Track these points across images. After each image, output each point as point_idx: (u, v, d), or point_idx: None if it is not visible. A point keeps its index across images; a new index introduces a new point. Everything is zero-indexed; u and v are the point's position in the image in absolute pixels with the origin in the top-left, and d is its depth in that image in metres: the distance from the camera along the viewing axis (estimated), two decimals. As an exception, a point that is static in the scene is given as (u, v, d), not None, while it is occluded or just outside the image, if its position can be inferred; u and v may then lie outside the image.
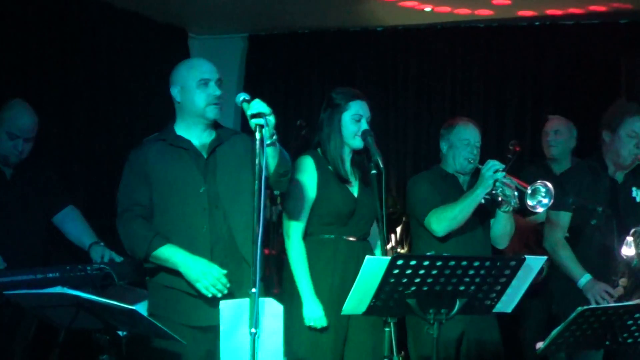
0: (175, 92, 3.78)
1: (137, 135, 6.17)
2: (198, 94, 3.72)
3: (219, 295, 3.51)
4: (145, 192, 3.71)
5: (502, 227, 4.40)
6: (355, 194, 4.15)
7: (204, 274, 3.55)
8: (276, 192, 4.10)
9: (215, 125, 3.83)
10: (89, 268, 4.09)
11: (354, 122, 4.10)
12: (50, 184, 4.65)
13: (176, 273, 3.66)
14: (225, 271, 3.55)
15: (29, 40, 5.21)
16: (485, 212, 4.39)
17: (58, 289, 3.31)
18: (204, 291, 3.55)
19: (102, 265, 4.15)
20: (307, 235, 4.12)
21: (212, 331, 3.53)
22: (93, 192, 5.67)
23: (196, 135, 3.79)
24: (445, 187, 4.57)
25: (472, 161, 4.46)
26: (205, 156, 3.76)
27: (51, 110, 4.83)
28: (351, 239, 4.11)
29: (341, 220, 4.10)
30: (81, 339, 3.99)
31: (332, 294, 3.98)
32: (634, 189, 4.48)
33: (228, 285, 3.55)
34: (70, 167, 5.23)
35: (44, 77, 5.36)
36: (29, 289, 3.66)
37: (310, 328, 4.02)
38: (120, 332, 3.69)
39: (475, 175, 4.41)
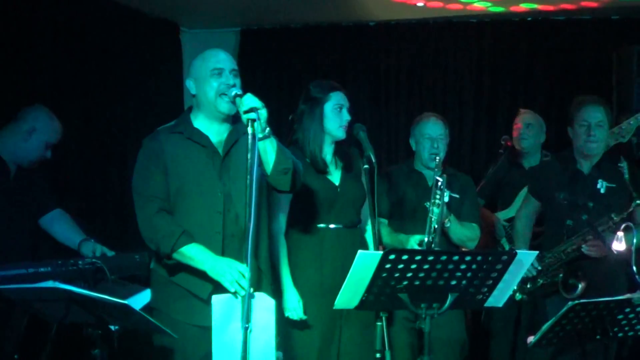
0: (190, 84, 3.72)
1: (130, 129, 6.17)
2: (210, 83, 3.64)
3: (242, 292, 3.41)
4: (164, 184, 3.63)
5: (455, 237, 4.46)
6: (337, 182, 4.18)
7: (230, 268, 3.47)
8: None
9: (233, 118, 3.72)
10: (80, 262, 4.09)
11: (336, 112, 4.16)
12: (39, 185, 4.67)
13: (182, 270, 3.64)
14: (248, 271, 3.41)
15: (17, 35, 5.19)
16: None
17: (50, 284, 3.30)
18: (228, 286, 3.46)
19: (93, 260, 4.14)
20: (294, 227, 4.15)
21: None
22: (86, 186, 5.65)
23: (214, 129, 3.71)
24: (408, 183, 4.63)
25: (437, 157, 4.48)
26: (222, 154, 3.69)
27: (42, 104, 4.81)
28: (338, 226, 4.13)
29: (324, 209, 4.13)
30: (73, 334, 3.99)
31: (323, 283, 4.01)
32: (599, 181, 4.52)
33: (246, 286, 3.41)
34: (63, 161, 5.21)
35: (33, 71, 5.33)
36: (21, 283, 3.66)
37: (289, 319, 4.06)
38: (112, 327, 3.68)
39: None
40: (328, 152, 4.23)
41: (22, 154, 4.51)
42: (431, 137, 4.57)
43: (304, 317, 4.08)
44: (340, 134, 4.17)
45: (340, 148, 4.23)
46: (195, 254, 3.55)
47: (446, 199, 4.31)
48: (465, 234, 4.51)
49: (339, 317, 4.12)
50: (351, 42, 6.87)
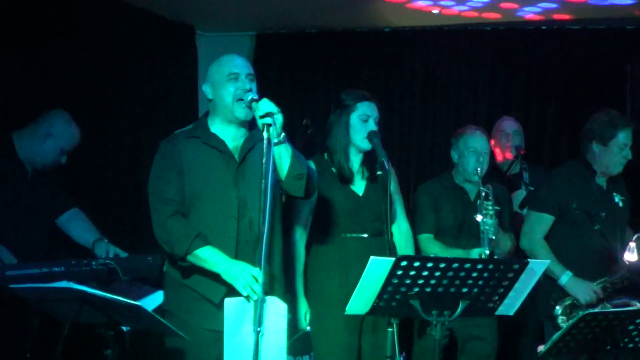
0: (207, 89, 3.73)
1: (144, 131, 6.20)
2: (227, 87, 3.65)
3: (255, 297, 3.40)
4: (180, 188, 3.64)
5: (501, 249, 4.47)
6: (360, 193, 4.18)
7: (244, 271, 3.46)
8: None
9: (250, 124, 3.72)
10: (94, 263, 4.11)
11: (361, 122, 4.13)
12: (57, 186, 4.70)
13: (195, 273, 3.65)
14: (262, 275, 3.43)
15: (33, 37, 5.22)
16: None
17: (64, 284, 3.32)
18: (241, 290, 3.45)
19: (107, 261, 4.17)
20: (317, 237, 4.17)
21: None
22: (100, 187, 5.68)
23: (231, 135, 3.72)
24: (450, 199, 4.64)
25: (479, 170, 4.51)
26: (237, 160, 3.70)
27: (59, 108, 4.83)
28: (362, 235, 4.13)
29: (347, 218, 4.13)
30: (85, 334, 4.01)
31: (348, 292, 4.00)
32: (614, 194, 4.54)
33: (259, 290, 3.41)
34: (77, 164, 5.24)
35: (50, 74, 5.36)
36: (35, 282, 3.68)
37: (313, 327, 4.09)
38: (123, 327, 3.70)
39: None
40: (355, 162, 4.22)
41: (36, 157, 4.55)
42: (477, 150, 4.58)
43: (307, 330, 4.13)
44: (365, 146, 4.13)
45: (370, 158, 4.20)
46: (209, 257, 3.55)
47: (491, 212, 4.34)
48: (508, 244, 4.54)
49: (362, 325, 4.14)
50: (366, 48, 6.87)
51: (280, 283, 3.77)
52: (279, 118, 3.35)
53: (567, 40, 6.52)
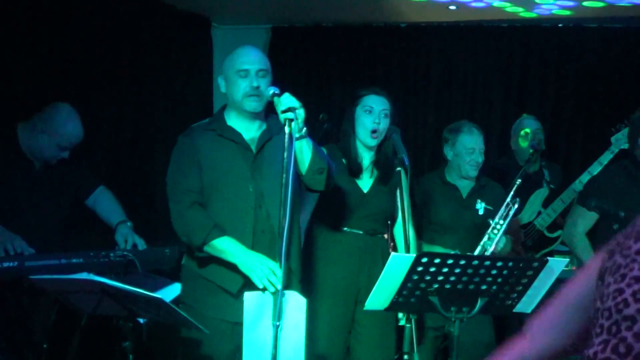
0: (221, 82, 3.76)
1: (160, 123, 6.20)
2: (237, 84, 3.68)
3: (272, 289, 3.43)
4: (198, 179, 3.66)
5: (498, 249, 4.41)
6: (365, 190, 4.17)
7: (261, 263, 3.49)
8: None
9: (267, 115, 3.76)
10: (112, 254, 4.12)
11: (364, 114, 4.11)
12: (79, 169, 4.68)
13: (213, 264, 3.66)
14: (280, 268, 3.44)
15: (49, 27, 5.22)
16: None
17: (84, 275, 3.33)
18: (257, 281, 3.48)
19: (125, 252, 4.17)
20: (319, 226, 4.17)
21: (241, 327, 3.54)
22: (115, 179, 5.69)
23: (246, 126, 3.75)
24: (442, 195, 4.63)
25: (477, 168, 4.50)
26: (254, 151, 3.71)
27: (74, 99, 4.83)
28: (358, 232, 4.14)
29: (347, 212, 4.13)
30: (102, 325, 4.03)
31: (337, 285, 4.03)
32: None
33: (279, 282, 3.43)
34: (94, 156, 5.25)
35: (66, 65, 5.36)
36: (53, 274, 3.69)
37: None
38: (140, 319, 3.72)
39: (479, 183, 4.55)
40: (365, 158, 4.20)
41: (35, 151, 4.48)
42: (475, 150, 4.56)
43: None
44: (368, 141, 4.11)
45: (386, 159, 4.17)
46: (226, 247, 3.57)
47: (481, 212, 4.32)
48: (500, 246, 4.53)
49: (351, 318, 4.14)
50: (382, 42, 6.86)
51: (297, 276, 3.78)
52: (301, 113, 3.36)
53: (583, 38, 6.50)
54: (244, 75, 3.66)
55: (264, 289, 3.44)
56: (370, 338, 4.15)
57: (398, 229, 4.24)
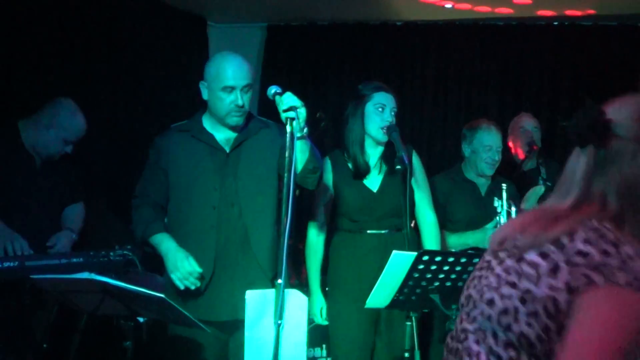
0: (202, 88, 3.77)
1: (155, 122, 6.17)
2: (221, 100, 3.69)
3: (192, 287, 3.60)
4: (160, 185, 3.78)
5: None
6: (375, 188, 4.16)
7: (177, 267, 3.61)
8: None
9: (247, 116, 3.79)
10: (112, 254, 4.12)
11: (376, 111, 4.10)
12: (70, 177, 4.70)
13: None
14: (199, 269, 3.61)
15: (45, 25, 5.20)
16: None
17: (85, 275, 3.32)
18: (177, 282, 3.62)
19: (124, 252, 4.18)
20: (333, 232, 4.18)
21: (227, 327, 3.57)
22: (110, 178, 5.68)
23: (222, 129, 3.78)
24: (461, 193, 4.64)
25: (493, 166, 4.52)
26: (227, 150, 3.75)
27: (69, 97, 4.82)
28: (381, 232, 4.12)
29: (362, 215, 4.12)
30: (102, 324, 4.02)
31: (362, 288, 4.01)
32: None
33: (198, 284, 3.62)
34: (89, 153, 5.23)
35: (61, 63, 5.34)
36: (54, 273, 3.69)
37: (312, 321, 4.11)
38: (140, 319, 3.72)
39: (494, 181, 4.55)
40: (372, 155, 4.18)
41: (40, 147, 4.51)
42: (492, 148, 4.59)
43: (325, 323, 4.12)
44: (380, 137, 4.10)
45: (389, 151, 4.15)
46: (159, 242, 3.70)
47: (499, 210, 4.34)
48: None
49: (377, 319, 4.14)
50: (377, 41, 6.86)
51: (268, 276, 3.75)
52: (302, 112, 3.35)
53: (579, 36, 6.51)
54: (229, 92, 3.66)
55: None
56: (389, 335, 4.15)
57: (420, 215, 4.29)
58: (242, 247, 3.70)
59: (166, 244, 3.66)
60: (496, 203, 4.32)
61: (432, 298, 3.35)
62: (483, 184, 4.68)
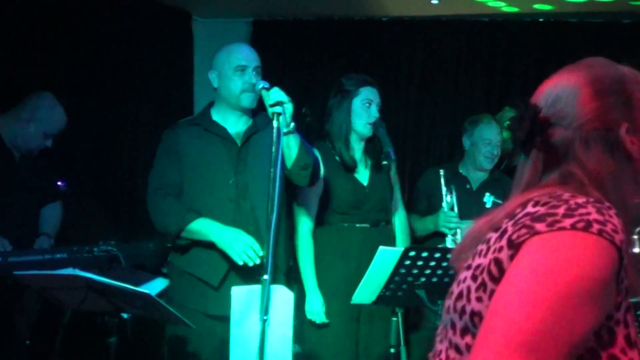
0: (212, 77, 3.76)
1: (139, 117, 6.15)
2: (234, 80, 3.70)
3: (250, 263, 3.48)
4: (176, 173, 3.70)
5: None
6: (365, 183, 4.16)
7: (237, 239, 3.52)
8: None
9: (253, 112, 3.79)
10: (95, 249, 4.10)
11: (364, 107, 4.11)
12: (49, 174, 4.67)
13: (195, 258, 3.66)
14: (257, 244, 3.51)
15: (26, 20, 5.16)
16: None
17: (69, 271, 3.31)
18: (235, 257, 3.51)
19: (108, 247, 4.15)
20: (321, 226, 4.15)
21: (227, 321, 3.54)
22: (96, 173, 5.65)
23: (232, 122, 3.77)
24: (452, 186, 4.63)
25: (492, 160, 4.54)
26: (239, 144, 3.73)
27: (52, 92, 4.78)
28: (365, 225, 4.12)
29: (351, 208, 4.12)
30: (86, 321, 3.99)
31: (348, 282, 4.01)
32: None
33: (260, 254, 3.49)
34: (72, 150, 5.20)
35: (42, 57, 5.30)
36: (37, 269, 3.66)
37: (311, 322, 4.06)
38: (124, 315, 3.69)
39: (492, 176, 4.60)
40: (357, 149, 4.19)
41: (20, 141, 4.48)
42: (491, 142, 4.62)
43: (326, 321, 4.08)
44: (366, 132, 4.11)
45: (373, 146, 4.18)
46: (201, 227, 3.60)
47: (489, 205, 4.34)
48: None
49: (359, 314, 4.12)
50: (363, 37, 6.84)
51: (282, 271, 3.78)
52: (289, 107, 3.36)
53: (564, 33, 6.53)
54: (241, 70, 3.68)
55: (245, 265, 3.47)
56: (373, 330, 4.14)
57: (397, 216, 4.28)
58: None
59: (215, 225, 3.60)
60: (486, 198, 4.33)
61: (418, 294, 3.34)
62: (477, 179, 4.70)
